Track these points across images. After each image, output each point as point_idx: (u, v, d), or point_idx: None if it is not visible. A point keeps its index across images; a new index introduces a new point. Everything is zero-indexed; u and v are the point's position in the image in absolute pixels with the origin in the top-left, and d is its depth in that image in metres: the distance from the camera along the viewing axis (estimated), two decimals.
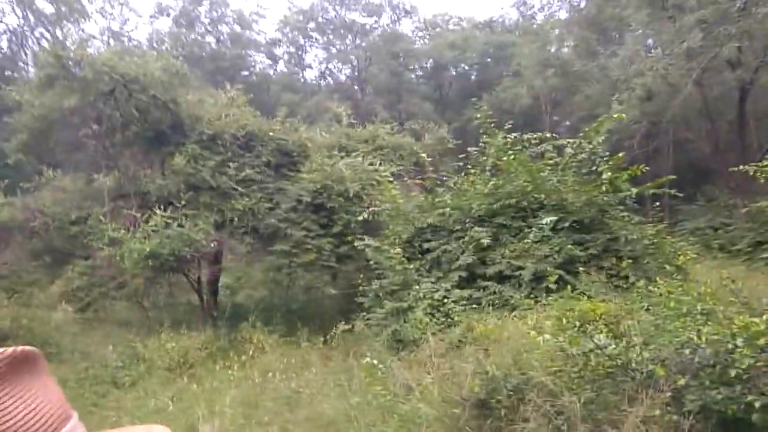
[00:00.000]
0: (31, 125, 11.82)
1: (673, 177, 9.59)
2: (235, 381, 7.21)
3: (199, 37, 36.01)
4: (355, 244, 9.48)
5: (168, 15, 36.08)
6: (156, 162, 12.37)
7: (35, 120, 11.71)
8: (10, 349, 0.73)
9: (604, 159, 8.84)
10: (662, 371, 3.90)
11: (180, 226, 10.09)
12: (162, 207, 10.52)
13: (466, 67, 38.83)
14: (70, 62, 11.06)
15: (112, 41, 33.40)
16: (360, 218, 10.41)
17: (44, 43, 27.49)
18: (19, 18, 29.54)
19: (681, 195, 10.02)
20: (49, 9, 29.98)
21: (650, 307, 5.46)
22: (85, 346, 10.33)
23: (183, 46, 32.94)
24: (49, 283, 15.82)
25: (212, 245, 10.56)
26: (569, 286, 6.52)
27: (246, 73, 36.87)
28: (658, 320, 4.78)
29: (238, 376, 7.40)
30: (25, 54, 30.70)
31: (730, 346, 3.79)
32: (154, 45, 32.76)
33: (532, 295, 7.21)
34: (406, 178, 12.06)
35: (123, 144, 12.11)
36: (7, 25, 29.55)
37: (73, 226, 11.37)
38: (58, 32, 29.77)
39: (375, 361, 5.62)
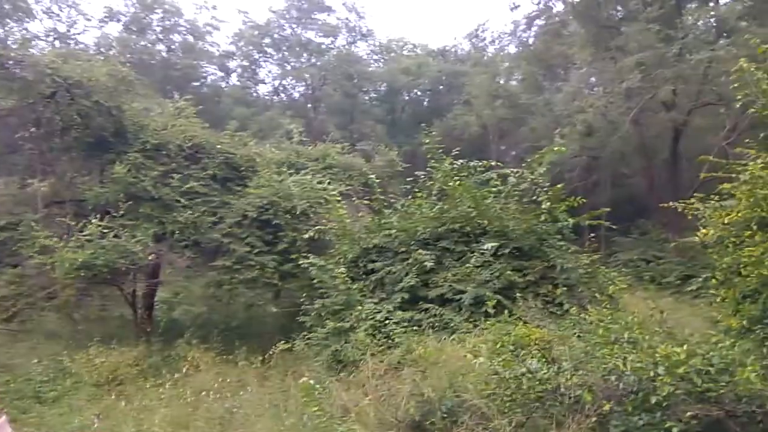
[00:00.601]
0: None
1: (608, 210, 10.01)
2: (166, 399, 6.98)
3: (150, 45, 35.21)
4: (300, 262, 9.40)
5: (118, 21, 35.14)
6: (95, 169, 11.94)
7: None
8: None
9: (545, 189, 9.17)
10: (589, 397, 4.06)
11: (116, 236, 9.74)
12: (99, 216, 10.12)
13: (419, 93, 39.56)
14: (11, 62, 10.61)
15: (57, 43, 32.23)
16: (306, 236, 10.36)
17: None
18: None
19: (617, 227, 10.48)
20: None
21: (581, 335, 5.66)
22: (8, 358, 9.72)
23: (132, 52, 32.01)
24: None
25: (150, 258, 10.22)
26: (507, 311, 6.69)
27: (197, 84, 36.24)
28: (588, 347, 4.96)
29: (170, 395, 7.16)
30: None
31: (652, 374, 3.98)
32: (102, 50, 31.77)
33: (471, 319, 7.36)
34: (354, 199, 12.11)
35: (61, 149, 11.64)
36: None
37: (3, 232, 10.79)
38: (0, 30, 28.54)
39: (312, 381, 5.57)
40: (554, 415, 4.19)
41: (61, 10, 33.27)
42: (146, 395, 7.34)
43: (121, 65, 12.15)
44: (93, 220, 9.75)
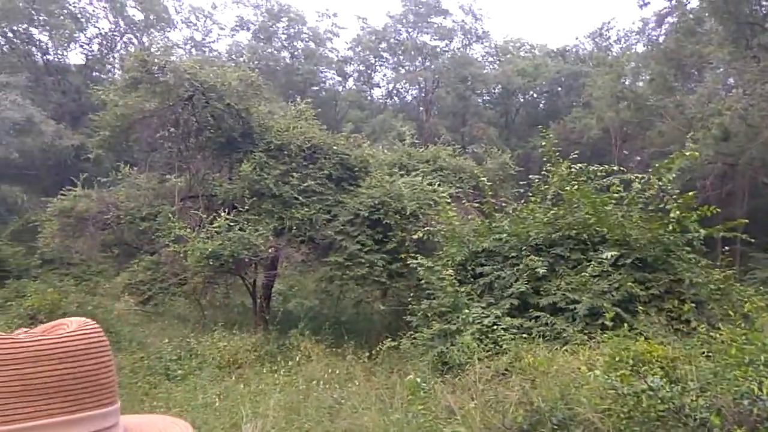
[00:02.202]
0: (113, 124, 12.51)
1: (746, 221, 9.12)
2: (280, 385, 7.34)
3: (275, 52, 37.34)
4: (408, 262, 9.50)
5: (248, 29, 37.69)
6: (225, 167, 12.88)
7: (117, 119, 12.40)
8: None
9: (674, 197, 8.53)
10: (717, 420, 3.73)
11: (241, 229, 10.43)
12: (227, 210, 10.92)
13: (535, 95, 38.53)
14: (155, 67, 11.68)
15: (193, 50, 35.18)
16: (415, 237, 10.44)
17: (131, 48, 29.26)
18: (110, 23, 31.65)
19: (754, 241, 9.52)
20: (138, 16, 32.01)
21: (710, 354, 5.21)
22: (142, 337, 10.76)
23: (259, 59, 34.22)
24: (115, 274, 16.68)
25: (270, 251, 10.84)
26: (626, 325, 6.31)
27: (316, 88, 37.89)
28: (717, 368, 4.56)
29: (284, 381, 7.53)
30: (113, 57, 32.76)
31: None
32: (233, 57, 34.21)
33: (585, 331, 7.02)
34: (464, 201, 12.03)
35: (196, 148, 12.68)
36: (99, 29, 31.68)
37: (143, 222, 11.92)
38: (145, 38, 31.68)
39: (419, 380, 5.61)
40: None
41: (197, 20, 36.31)
42: (262, 380, 7.78)
43: (250, 71, 13.00)
44: (222, 214, 10.54)
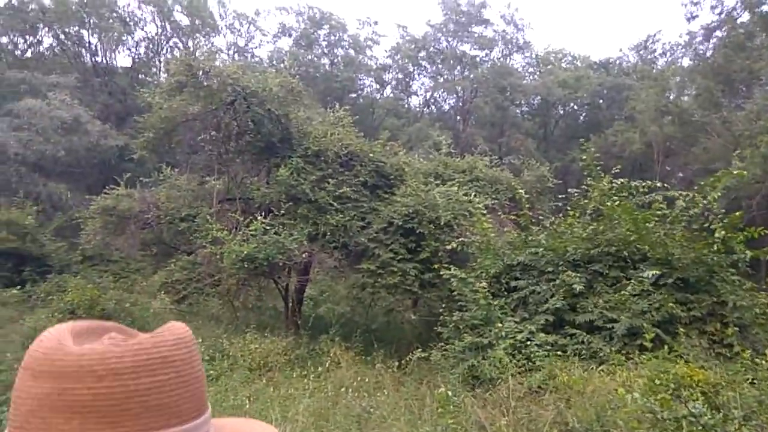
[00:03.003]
0: (158, 126, 12.79)
1: None
2: (309, 391, 7.35)
3: (316, 58, 37.75)
4: (441, 272, 9.42)
5: (289, 36, 38.25)
6: (263, 171, 13.04)
7: (161, 121, 12.67)
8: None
9: (719, 216, 8.26)
10: None
11: (276, 233, 10.52)
12: (263, 214, 11.03)
13: (576, 107, 37.95)
14: (199, 72, 11.91)
15: (236, 56, 35.87)
16: (449, 247, 10.35)
17: (177, 52, 30.04)
18: (157, 27, 32.59)
19: None
20: (184, 21, 32.86)
21: (755, 381, 5.00)
22: None
23: (300, 65, 34.66)
24: (153, 272, 17.07)
25: (304, 256, 10.90)
26: (666, 347, 6.12)
27: (354, 95, 38.12)
28: (762, 396, 4.38)
29: (313, 387, 7.53)
30: (159, 61, 33.69)
31: None
32: (274, 62, 34.75)
33: (623, 351, 6.85)
34: (500, 213, 11.89)
35: (236, 151, 12.85)
36: (146, 33, 32.64)
37: (182, 223, 12.14)
38: (190, 43, 32.47)
39: (449, 393, 5.54)
40: None
41: (241, 26, 37.06)
42: (292, 384, 7.81)
43: (291, 77, 13.14)
44: (258, 217, 10.65)
